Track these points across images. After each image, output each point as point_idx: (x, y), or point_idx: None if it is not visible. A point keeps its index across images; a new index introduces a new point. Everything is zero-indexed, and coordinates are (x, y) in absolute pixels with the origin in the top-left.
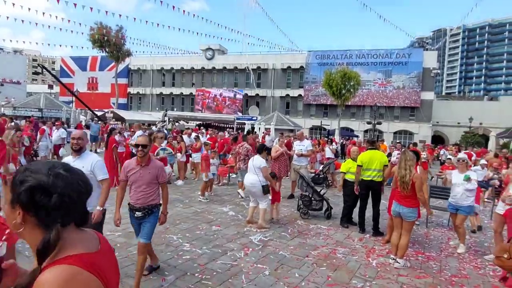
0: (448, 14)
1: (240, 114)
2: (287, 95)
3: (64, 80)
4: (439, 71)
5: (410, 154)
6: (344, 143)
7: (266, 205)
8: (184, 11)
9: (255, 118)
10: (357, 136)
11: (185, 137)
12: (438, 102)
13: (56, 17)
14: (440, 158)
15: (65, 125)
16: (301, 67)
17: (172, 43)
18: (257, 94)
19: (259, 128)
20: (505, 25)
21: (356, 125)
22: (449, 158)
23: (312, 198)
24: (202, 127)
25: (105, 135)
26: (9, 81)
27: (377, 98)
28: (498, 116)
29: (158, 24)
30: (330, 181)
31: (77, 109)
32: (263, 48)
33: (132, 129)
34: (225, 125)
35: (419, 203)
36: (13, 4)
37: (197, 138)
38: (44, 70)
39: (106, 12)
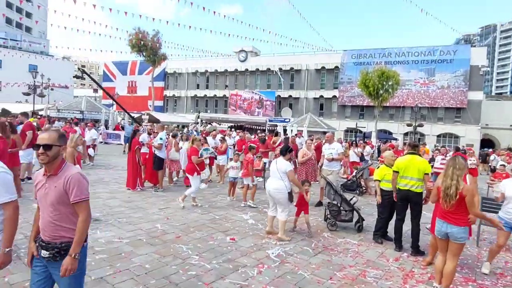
0: (497, 10)
1: (272, 116)
2: (321, 96)
3: (106, 84)
4: (488, 69)
5: (461, 161)
6: (380, 146)
7: (286, 216)
8: (216, 13)
9: (287, 120)
10: (395, 139)
11: (209, 139)
12: (488, 103)
13: (100, 24)
14: (490, 164)
15: (103, 126)
16: (336, 67)
17: (206, 46)
18: (290, 96)
19: (291, 130)
20: None
21: (395, 127)
22: (503, 165)
23: (341, 208)
24: (233, 129)
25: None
26: (58, 86)
27: (418, 99)
28: None
29: (190, 27)
30: (364, 188)
31: (115, 111)
32: (296, 48)
33: (155, 131)
34: (257, 127)
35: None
36: (62, 13)
37: (222, 140)
38: (83, 73)
39: (140, 16)
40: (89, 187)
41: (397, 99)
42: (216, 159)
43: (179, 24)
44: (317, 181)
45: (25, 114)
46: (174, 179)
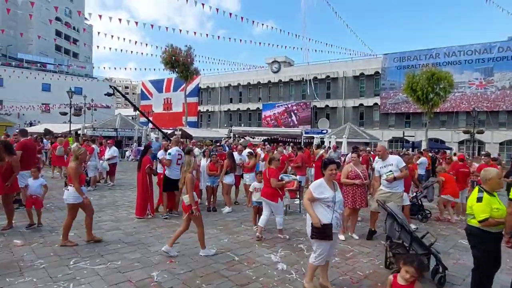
0: None
1: (308, 127)
2: (361, 104)
3: (144, 102)
4: None
5: None
6: (435, 157)
7: (315, 258)
8: (249, 21)
9: (325, 131)
10: (449, 149)
11: (235, 154)
12: None
13: (141, 43)
14: None
15: (136, 143)
16: (376, 72)
17: (238, 59)
18: (327, 106)
19: (329, 142)
20: None
21: (448, 136)
22: None
23: (411, 250)
24: (267, 142)
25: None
26: (100, 106)
27: (474, 102)
28: None
29: (218, 37)
30: (428, 212)
31: (149, 128)
32: (332, 55)
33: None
34: (292, 140)
35: None
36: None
37: (250, 155)
38: (114, 90)
39: (174, 30)
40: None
41: (449, 103)
42: (242, 177)
43: (211, 36)
44: (368, 205)
45: (22, 132)
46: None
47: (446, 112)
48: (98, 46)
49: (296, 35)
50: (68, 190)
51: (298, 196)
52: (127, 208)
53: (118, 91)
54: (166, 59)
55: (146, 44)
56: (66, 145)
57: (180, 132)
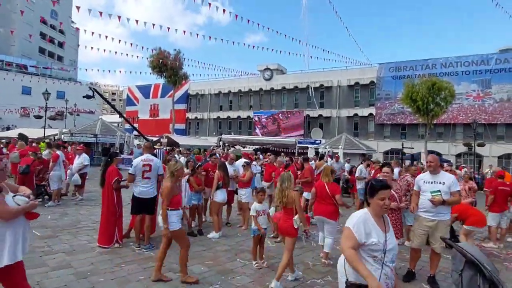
0: None
1: (301, 137)
2: (355, 114)
3: (130, 108)
4: None
5: None
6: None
7: None
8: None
9: (318, 141)
10: (447, 161)
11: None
12: None
13: (120, 41)
14: None
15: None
16: (372, 82)
17: (229, 65)
18: (320, 115)
19: (325, 152)
20: None
21: (445, 148)
22: None
23: None
24: (259, 152)
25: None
26: (83, 111)
27: (472, 114)
28: None
29: (210, 37)
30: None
31: (135, 135)
32: (328, 63)
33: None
34: (285, 150)
35: None
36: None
37: (246, 166)
38: (94, 92)
39: (168, 28)
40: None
41: (446, 115)
42: (237, 193)
43: (202, 37)
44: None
45: None
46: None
47: (443, 124)
48: (86, 46)
49: (292, 38)
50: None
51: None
52: (91, 232)
53: (98, 93)
54: (153, 63)
55: (136, 46)
56: (24, 152)
57: (166, 140)
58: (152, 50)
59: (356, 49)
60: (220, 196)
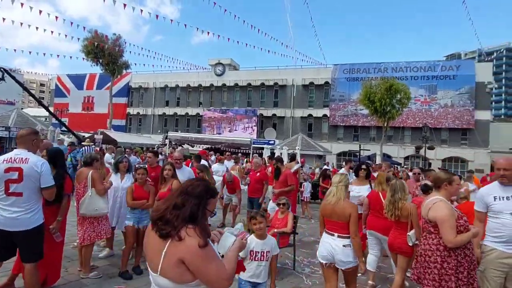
0: (463, 38)
1: (254, 137)
2: (310, 115)
3: (58, 100)
4: (496, 85)
5: None
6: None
7: None
8: (185, 25)
9: (272, 142)
10: (398, 164)
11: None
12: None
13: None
14: None
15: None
16: (326, 83)
17: (177, 55)
18: (274, 115)
19: (281, 153)
20: None
21: (395, 151)
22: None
23: None
24: (211, 151)
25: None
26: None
27: (419, 118)
28: None
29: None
30: None
31: (62, 131)
32: (284, 59)
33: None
34: (238, 150)
35: None
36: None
37: (205, 170)
38: (5, 74)
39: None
40: None
41: (396, 119)
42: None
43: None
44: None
45: None
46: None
47: (393, 127)
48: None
49: (251, 26)
50: None
51: (292, 242)
52: None
53: (9, 74)
54: (87, 47)
55: (65, 36)
56: None
57: (100, 136)
58: (84, 29)
59: (311, 48)
60: None
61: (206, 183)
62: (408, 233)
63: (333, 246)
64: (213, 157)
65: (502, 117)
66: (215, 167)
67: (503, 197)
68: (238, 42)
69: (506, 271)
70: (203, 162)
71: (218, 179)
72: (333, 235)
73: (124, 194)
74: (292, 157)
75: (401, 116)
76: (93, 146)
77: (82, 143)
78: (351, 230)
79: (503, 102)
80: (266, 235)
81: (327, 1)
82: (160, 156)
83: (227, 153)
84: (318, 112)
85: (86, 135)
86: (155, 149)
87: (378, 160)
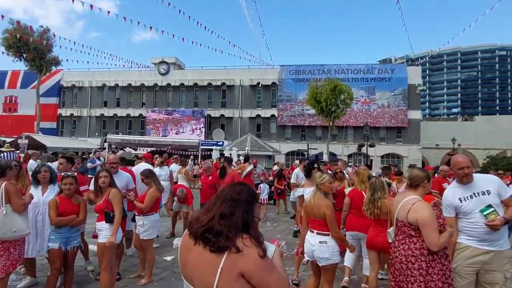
0: (394, 44)
1: (202, 138)
2: (258, 115)
3: None
4: (425, 87)
5: None
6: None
7: None
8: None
9: (220, 143)
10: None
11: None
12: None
13: None
14: None
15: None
16: (273, 83)
17: (116, 53)
18: (222, 115)
19: (230, 154)
20: (443, 56)
21: (339, 149)
22: None
23: None
24: (156, 155)
25: None
26: None
27: (360, 118)
28: (474, 137)
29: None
30: None
31: None
32: (230, 60)
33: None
34: (186, 152)
35: None
36: None
37: (147, 178)
38: None
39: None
40: None
41: (339, 118)
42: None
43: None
44: None
45: None
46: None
47: (337, 126)
48: None
49: (197, 23)
50: None
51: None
52: None
53: None
54: (8, 40)
55: None
56: None
57: (25, 141)
58: (3, 17)
59: (259, 49)
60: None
61: (249, 186)
62: (388, 230)
63: (312, 243)
64: (157, 160)
65: (427, 116)
66: (156, 171)
67: (467, 197)
68: (183, 39)
69: (479, 267)
70: (147, 166)
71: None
72: (313, 232)
73: (47, 210)
74: (246, 158)
75: (344, 116)
76: (17, 152)
77: (0, 149)
78: (330, 228)
79: (427, 103)
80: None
81: (274, 1)
82: (97, 161)
83: (175, 156)
84: (266, 113)
85: (8, 140)
86: (92, 153)
87: (326, 158)
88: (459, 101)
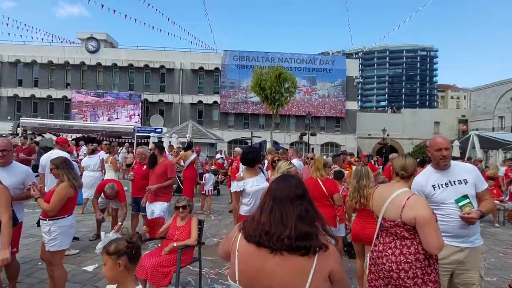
0: (331, 39)
1: (138, 124)
2: (200, 101)
3: None
4: (361, 80)
5: None
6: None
7: None
8: None
9: (159, 129)
10: (286, 150)
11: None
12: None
13: None
14: None
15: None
16: (216, 68)
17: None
18: (161, 100)
19: (170, 142)
20: (374, 53)
21: (282, 138)
22: None
23: None
24: (82, 141)
25: None
26: None
27: (302, 107)
28: (401, 128)
29: None
30: None
31: None
32: (168, 41)
33: None
34: (119, 139)
35: None
36: None
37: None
38: None
39: None
40: None
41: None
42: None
43: None
44: None
45: None
46: None
47: (280, 115)
48: None
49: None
50: None
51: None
52: None
53: None
54: None
55: None
56: None
57: None
58: None
59: (202, 32)
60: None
61: (297, 177)
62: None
63: None
64: (83, 148)
65: (359, 108)
66: (84, 161)
67: (441, 185)
68: (114, 11)
69: (454, 267)
70: (63, 153)
71: (90, 175)
72: None
73: None
74: (188, 146)
75: (287, 104)
76: None
77: None
78: None
79: (359, 96)
80: None
81: None
82: None
83: (105, 143)
84: (208, 99)
85: None
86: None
87: (269, 146)
88: (386, 95)
